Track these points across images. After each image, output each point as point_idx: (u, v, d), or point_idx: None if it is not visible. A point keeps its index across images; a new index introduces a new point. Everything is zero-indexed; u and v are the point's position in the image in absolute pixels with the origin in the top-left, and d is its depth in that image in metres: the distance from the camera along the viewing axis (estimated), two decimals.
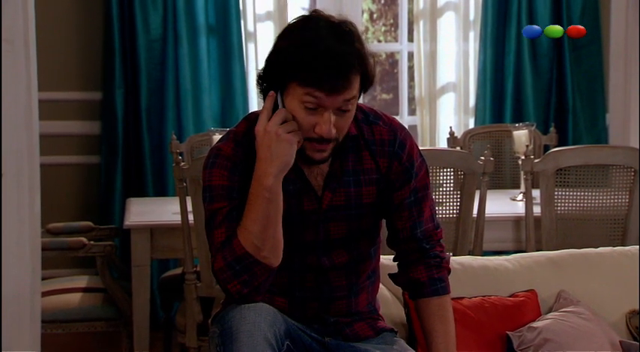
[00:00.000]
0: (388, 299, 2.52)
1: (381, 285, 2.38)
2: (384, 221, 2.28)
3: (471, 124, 5.16)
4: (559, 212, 3.61)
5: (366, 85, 2.07)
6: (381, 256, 2.34)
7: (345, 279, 2.21)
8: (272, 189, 2.02)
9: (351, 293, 2.22)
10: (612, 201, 3.62)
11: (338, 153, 2.13)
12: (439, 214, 3.44)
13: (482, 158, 3.44)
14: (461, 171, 3.46)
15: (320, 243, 2.16)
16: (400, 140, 2.19)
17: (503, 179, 4.66)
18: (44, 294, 3.46)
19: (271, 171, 2.01)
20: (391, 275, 2.32)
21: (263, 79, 2.10)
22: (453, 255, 3.03)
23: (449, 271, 2.28)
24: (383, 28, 6.07)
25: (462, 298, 2.52)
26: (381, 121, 2.20)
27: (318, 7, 5.04)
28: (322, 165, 2.14)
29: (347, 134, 2.12)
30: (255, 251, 2.02)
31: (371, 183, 2.18)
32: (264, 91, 2.11)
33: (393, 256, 2.32)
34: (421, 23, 5.14)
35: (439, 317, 2.22)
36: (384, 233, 2.29)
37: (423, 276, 2.23)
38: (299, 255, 2.16)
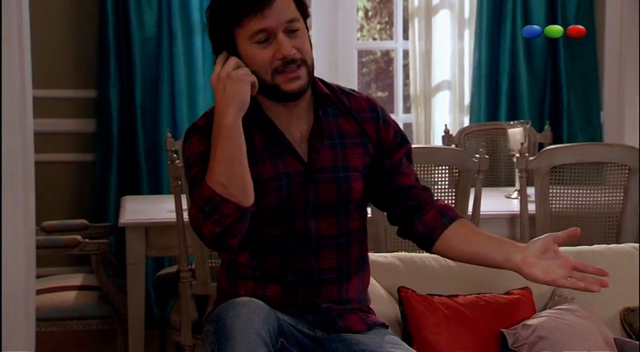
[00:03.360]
0: (383, 297, 2.52)
1: (375, 283, 2.39)
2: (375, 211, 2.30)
3: (466, 122, 5.17)
4: (554, 210, 3.61)
5: (301, 3, 2.14)
6: (369, 253, 2.34)
7: (336, 261, 2.23)
8: (232, 128, 2.07)
9: (342, 277, 2.24)
10: (607, 198, 3.63)
11: (316, 114, 2.19)
12: None
13: (477, 156, 3.44)
14: (456, 168, 3.46)
15: (309, 205, 2.19)
16: (379, 108, 2.30)
17: (498, 177, 4.66)
18: (39, 292, 3.45)
19: (229, 111, 2.07)
20: (406, 234, 2.34)
21: (216, 47, 2.18)
22: None
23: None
24: (378, 26, 6.07)
25: (457, 295, 2.52)
26: (357, 93, 2.31)
27: (313, 5, 5.04)
28: (303, 128, 2.20)
29: (319, 92, 2.20)
30: (221, 189, 2.07)
31: (356, 145, 2.24)
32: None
33: (396, 229, 2.36)
34: (416, 21, 5.14)
35: (470, 230, 2.28)
36: (382, 222, 2.29)
37: (436, 214, 2.28)
38: (288, 220, 2.18)
